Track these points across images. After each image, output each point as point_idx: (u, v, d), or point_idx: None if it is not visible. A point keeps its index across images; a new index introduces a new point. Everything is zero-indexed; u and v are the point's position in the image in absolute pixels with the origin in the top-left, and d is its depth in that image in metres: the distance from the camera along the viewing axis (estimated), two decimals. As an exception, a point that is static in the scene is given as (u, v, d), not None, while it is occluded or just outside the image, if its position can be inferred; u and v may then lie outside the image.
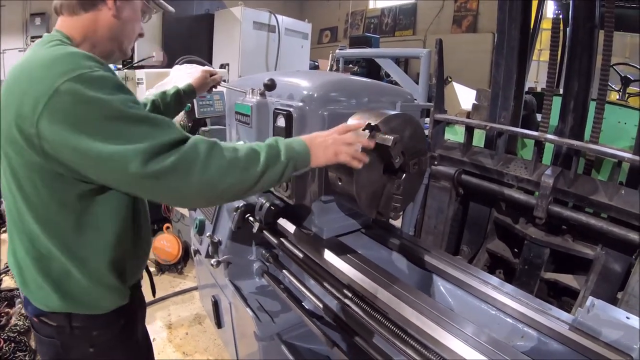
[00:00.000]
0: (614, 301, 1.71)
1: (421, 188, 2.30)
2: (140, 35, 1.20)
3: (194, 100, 3.06)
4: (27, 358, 2.32)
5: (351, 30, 11.11)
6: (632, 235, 1.64)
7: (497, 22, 2.28)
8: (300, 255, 1.35)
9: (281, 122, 1.35)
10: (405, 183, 1.27)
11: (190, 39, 4.85)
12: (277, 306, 1.58)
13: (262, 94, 1.43)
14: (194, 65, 3.64)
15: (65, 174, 0.91)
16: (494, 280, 1.28)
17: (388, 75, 5.51)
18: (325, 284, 1.22)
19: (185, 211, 3.26)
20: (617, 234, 1.68)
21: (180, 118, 3.25)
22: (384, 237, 1.54)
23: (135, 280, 1.23)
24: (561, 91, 2.16)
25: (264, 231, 1.48)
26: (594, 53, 1.99)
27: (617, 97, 3.72)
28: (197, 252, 1.97)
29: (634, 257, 1.73)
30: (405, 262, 1.47)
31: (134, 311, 1.21)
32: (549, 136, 1.97)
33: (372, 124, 1.12)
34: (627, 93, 3.73)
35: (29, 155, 0.89)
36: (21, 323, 2.55)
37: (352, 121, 1.23)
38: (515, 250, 2.25)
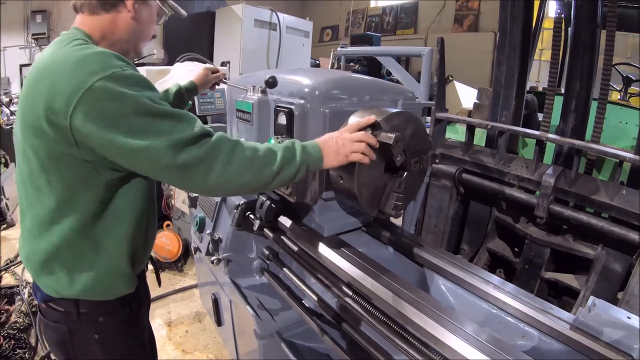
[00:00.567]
0: (614, 301, 1.71)
1: (422, 187, 2.30)
2: (153, 36, 1.25)
3: (195, 98, 3.05)
4: (26, 355, 2.32)
5: (352, 29, 11.09)
6: (633, 235, 1.64)
7: (499, 21, 2.28)
8: (301, 253, 1.35)
9: (282, 119, 1.35)
10: (407, 181, 1.27)
11: (191, 36, 4.85)
12: (277, 304, 1.58)
13: (264, 92, 1.43)
14: (195, 62, 3.64)
15: (96, 161, 0.97)
16: (495, 279, 1.27)
17: (389, 74, 5.50)
18: (326, 282, 1.22)
19: (185, 209, 3.26)
20: (618, 233, 1.68)
21: (181, 116, 3.24)
22: (384, 235, 1.54)
23: (141, 270, 1.26)
24: (563, 91, 2.16)
25: (265, 229, 1.48)
26: (595, 53, 1.99)
27: (619, 97, 3.71)
28: (197, 249, 1.97)
29: (634, 257, 1.73)
30: (406, 260, 1.46)
31: (139, 300, 1.25)
32: (551, 135, 1.97)
33: (374, 121, 1.12)
34: (629, 93, 3.72)
35: (59, 146, 0.94)
36: (21, 320, 2.56)
37: (353, 119, 1.23)
38: (516, 249, 2.25)
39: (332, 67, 4.65)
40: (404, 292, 1.06)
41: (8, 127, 4.39)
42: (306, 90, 1.34)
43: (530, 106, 2.74)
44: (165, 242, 3.31)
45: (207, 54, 4.74)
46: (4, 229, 4.11)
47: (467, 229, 2.45)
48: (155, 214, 1.27)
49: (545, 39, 5.49)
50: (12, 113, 4.64)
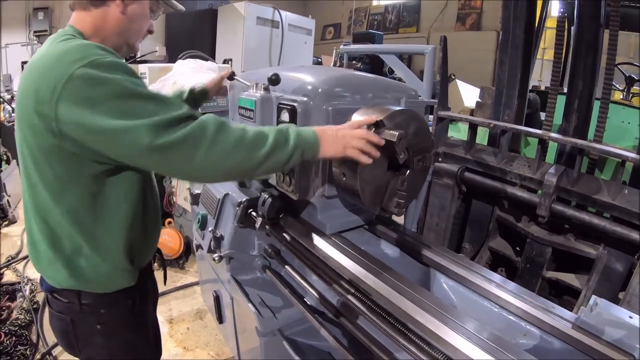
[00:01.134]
0: (615, 301, 1.71)
1: (424, 185, 2.30)
2: (150, 32, 1.25)
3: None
4: (28, 352, 2.33)
5: (354, 27, 11.07)
6: (635, 235, 1.64)
7: (502, 21, 2.27)
8: (303, 250, 1.35)
9: (285, 116, 1.34)
10: (409, 179, 1.27)
11: (193, 34, 4.84)
12: (279, 302, 1.58)
13: (266, 89, 1.43)
14: (197, 60, 3.63)
15: (80, 153, 0.97)
16: (497, 277, 1.27)
17: (392, 72, 5.49)
18: (328, 280, 1.22)
19: (187, 206, 3.26)
20: (620, 233, 1.68)
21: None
22: (386, 233, 1.54)
23: (145, 265, 1.28)
24: (565, 90, 2.15)
25: (267, 226, 1.48)
26: (598, 52, 1.98)
27: (621, 96, 3.70)
28: (199, 247, 1.97)
29: (636, 257, 1.73)
30: (407, 258, 1.46)
31: (143, 294, 1.26)
32: (553, 135, 1.97)
33: (377, 119, 1.12)
34: (631, 93, 3.71)
35: (46, 138, 0.95)
36: (22, 317, 2.56)
37: (356, 117, 1.23)
38: (518, 248, 2.25)
39: (334, 65, 4.64)
40: (406, 290, 1.06)
41: (10, 124, 4.40)
42: (309, 87, 1.34)
43: (532, 105, 2.74)
44: (167, 239, 3.31)
45: (209, 52, 4.73)
46: (6, 225, 4.11)
47: (469, 228, 2.45)
48: (156, 209, 1.28)
49: (548, 38, 5.48)
50: (14, 110, 4.65)
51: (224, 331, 2.18)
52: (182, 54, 3.86)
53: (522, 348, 0.98)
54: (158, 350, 1.40)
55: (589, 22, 1.96)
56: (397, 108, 1.24)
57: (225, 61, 4.65)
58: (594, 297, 1.03)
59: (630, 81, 3.65)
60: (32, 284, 2.96)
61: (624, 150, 1.80)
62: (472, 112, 3.30)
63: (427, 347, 0.91)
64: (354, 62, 6.41)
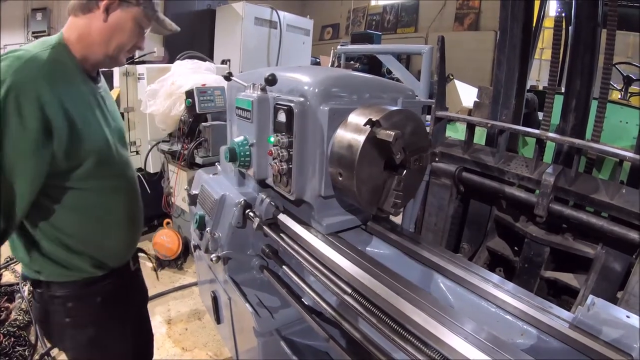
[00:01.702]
0: (613, 300, 1.71)
1: (421, 185, 2.30)
2: (139, 48, 1.29)
3: (195, 96, 3.05)
4: (26, 353, 2.33)
5: (353, 27, 11.09)
6: (633, 235, 1.64)
7: (500, 20, 2.27)
8: (300, 251, 1.35)
9: (282, 117, 1.34)
10: (406, 179, 1.27)
11: (191, 34, 4.84)
12: (277, 302, 1.58)
13: (263, 89, 1.42)
14: (196, 60, 3.63)
15: None
16: (495, 277, 1.27)
17: (390, 73, 5.49)
18: (325, 280, 1.22)
19: (185, 207, 3.26)
20: (618, 233, 1.68)
21: (180, 113, 3.24)
22: (384, 233, 1.53)
23: (116, 264, 1.32)
24: (563, 90, 2.15)
25: (264, 227, 1.48)
26: (596, 52, 1.98)
27: (619, 96, 3.71)
28: (197, 247, 1.96)
29: (634, 256, 1.73)
30: (405, 258, 1.46)
31: (116, 293, 1.30)
32: (551, 134, 1.97)
33: (374, 119, 1.12)
34: (629, 92, 3.72)
35: None
36: (21, 318, 2.56)
37: (353, 117, 1.23)
38: (516, 248, 2.25)
39: (332, 65, 4.64)
40: (403, 290, 1.06)
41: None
42: (306, 88, 1.33)
43: (530, 105, 2.74)
44: (165, 240, 3.31)
45: (207, 52, 4.73)
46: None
47: (466, 228, 2.45)
48: (130, 214, 1.35)
49: (545, 38, 5.48)
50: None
51: (222, 331, 2.18)
52: (181, 54, 3.85)
53: (519, 348, 0.97)
54: (148, 351, 1.42)
55: (587, 21, 1.96)
56: (394, 108, 1.24)
57: (223, 61, 4.65)
58: (591, 296, 1.03)
59: (628, 81, 3.66)
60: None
61: (621, 149, 1.80)
62: (470, 112, 3.30)
63: (424, 347, 0.91)
64: (351, 62, 6.41)
